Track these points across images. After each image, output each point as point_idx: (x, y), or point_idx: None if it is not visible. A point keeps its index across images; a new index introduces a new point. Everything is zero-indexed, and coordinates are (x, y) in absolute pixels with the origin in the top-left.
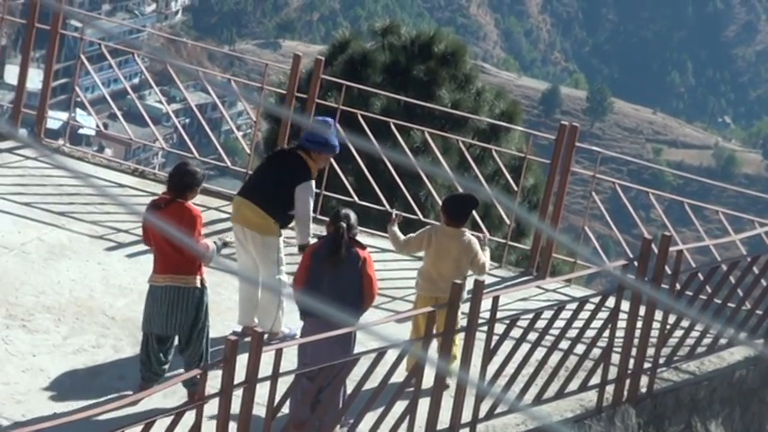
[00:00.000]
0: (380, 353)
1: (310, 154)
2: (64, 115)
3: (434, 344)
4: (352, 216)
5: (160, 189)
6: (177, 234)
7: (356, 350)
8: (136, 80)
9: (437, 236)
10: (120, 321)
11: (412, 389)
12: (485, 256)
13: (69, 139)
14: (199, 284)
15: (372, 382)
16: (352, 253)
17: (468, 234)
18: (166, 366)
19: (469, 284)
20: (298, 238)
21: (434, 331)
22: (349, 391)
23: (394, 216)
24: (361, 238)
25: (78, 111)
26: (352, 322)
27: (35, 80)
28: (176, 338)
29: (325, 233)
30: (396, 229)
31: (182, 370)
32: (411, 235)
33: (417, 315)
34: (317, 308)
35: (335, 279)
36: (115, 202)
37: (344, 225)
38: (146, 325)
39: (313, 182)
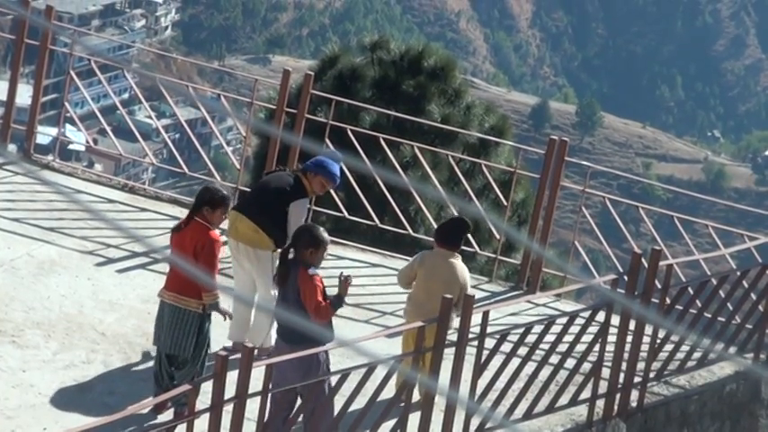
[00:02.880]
0: (368, 370)
1: (306, 175)
2: (53, 131)
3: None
4: (305, 232)
5: (149, 204)
6: (187, 267)
7: (344, 365)
8: (125, 95)
9: (428, 258)
10: (110, 337)
11: (402, 404)
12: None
13: (59, 154)
14: (200, 309)
15: (362, 398)
16: (294, 277)
17: (461, 261)
18: (176, 382)
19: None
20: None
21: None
22: (338, 407)
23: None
24: (350, 252)
25: (68, 126)
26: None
27: (24, 95)
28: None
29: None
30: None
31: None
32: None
33: (407, 336)
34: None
35: (284, 300)
36: (98, 218)
37: (287, 250)
38: (154, 340)
39: (307, 200)
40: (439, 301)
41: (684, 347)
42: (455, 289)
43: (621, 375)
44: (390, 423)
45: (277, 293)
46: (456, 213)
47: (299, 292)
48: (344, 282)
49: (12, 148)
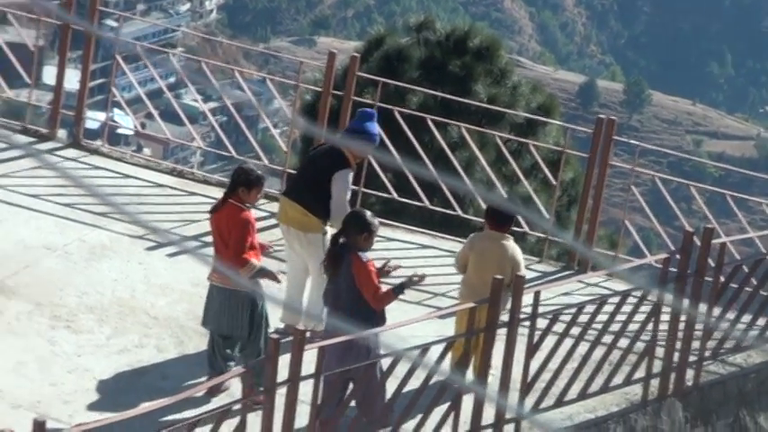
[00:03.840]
0: (421, 351)
1: (349, 144)
2: (102, 116)
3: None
4: (352, 217)
5: (198, 188)
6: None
7: (396, 347)
8: (172, 79)
9: (479, 241)
10: (163, 320)
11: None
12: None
13: (108, 139)
14: (249, 286)
15: (416, 381)
16: (347, 264)
17: (512, 241)
18: (232, 362)
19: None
20: (334, 225)
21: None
22: (391, 390)
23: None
24: (400, 234)
25: (116, 110)
26: (353, 331)
27: (72, 80)
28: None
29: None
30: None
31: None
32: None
33: (460, 318)
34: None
35: (336, 288)
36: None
37: (337, 237)
38: (204, 322)
39: (350, 171)
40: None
41: (740, 326)
42: (507, 270)
43: (676, 354)
44: (444, 406)
45: (326, 278)
46: (504, 194)
47: (354, 278)
48: (392, 270)
49: (61, 133)
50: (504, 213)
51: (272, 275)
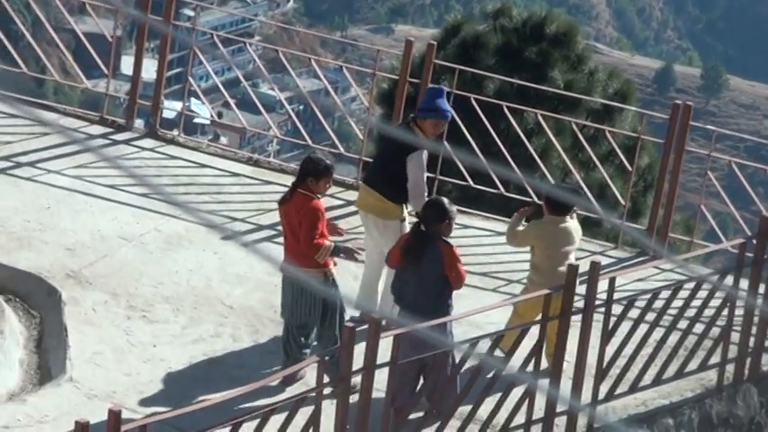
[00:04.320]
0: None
1: (417, 123)
2: (179, 105)
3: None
4: (435, 205)
5: (274, 177)
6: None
7: (471, 335)
8: (249, 68)
9: (544, 229)
10: (238, 310)
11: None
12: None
13: (184, 128)
14: (321, 276)
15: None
16: (432, 251)
17: (574, 221)
18: (307, 351)
19: (583, 267)
20: (413, 206)
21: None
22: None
23: (526, 208)
24: (476, 221)
25: (193, 100)
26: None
27: (150, 70)
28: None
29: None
30: (519, 218)
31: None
32: (520, 229)
33: (522, 304)
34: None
35: (415, 275)
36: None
37: (421, 227)
38: (281, 311)
39: (424, 151)
40: (563, 269)
41: None
42: (573, 253)
43: (752, 339)
44: (520, 391)
45: (404, 267)
46: (580, 179)
47: (442, 265)
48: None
49: (139, 123)
50: (561, 201)
51: (350, 252)
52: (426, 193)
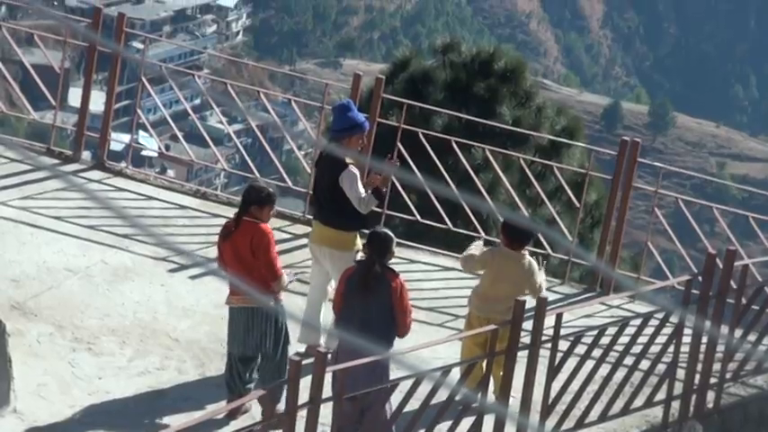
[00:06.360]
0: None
1: (342, 142)
2: (126, 137)
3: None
4: (388, 238)
5: (222, 210)
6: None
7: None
8: (197, 101)
9: (497, 257)
10: (184, 343)
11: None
12: (542, 277)
13: (132, 160)
14: (273, 301)
15: (435, 400)
16: (383, 283)
17: (528, 257)
18: (251, 386)
19: (530, 303)
20: (366, 210)
21: (488, 351)
22: (394, 408)
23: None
24: (424, 256)
25: (141, 132)
26: (378, 352)
27: (98, 102)
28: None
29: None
30: (478, 244)
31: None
32: (474, 253)
33: (467, 336)
34: (347, 338)
35: (365, 309)
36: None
37: (373, 258)
38: (228, 345)
39: (352, 167)
40: (505, 300)
41: (761, 348)
42: (523, 287)
43: (697, 376)
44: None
45: (350, 303)
46: (528, 216)
47: (390, 298)
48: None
49: (86, 154)
50: (520, 231)
51: (289, 283)
52: (367, 201)
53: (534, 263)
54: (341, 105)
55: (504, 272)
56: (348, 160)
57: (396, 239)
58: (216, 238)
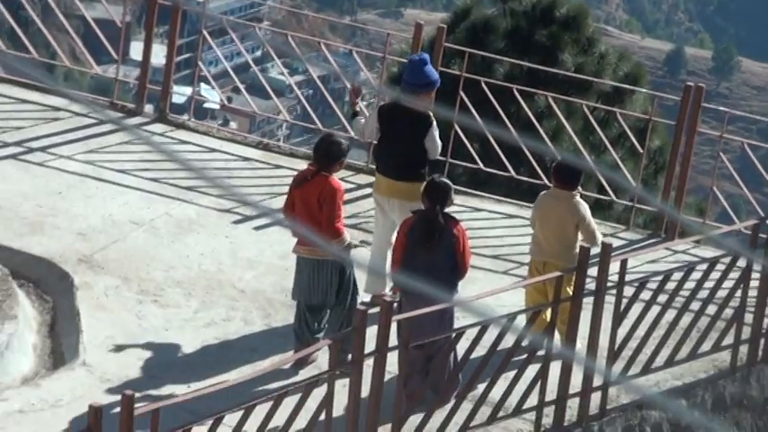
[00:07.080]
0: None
1: (420, 96)
2: (188, 90)
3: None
4: (447, 187)
5: (285, 161)
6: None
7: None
8: (258, 53)
9: (543, 199)
10: (249, 294)
11: (543, 353)
12: (593, 223)
13: (194, 113)
14: (341, 244)
15: (502, 347)
16: (445, 234)
17: (578, 198)
18: (319, 335)
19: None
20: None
21: (548, 298)
22: (459, 356)
23: None
24: (487, 204)
25: (202, 85)
26: (444, 300)
27: (159, 56)
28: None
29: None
30: None
31: None
32: None
33: (530, 283)
34: (412, 287)
35: (429, 259)
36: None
37: (438, 208)
38: (294, 293)
39: (433, 124)
40: (554, 242)
41: None
42: (570, 228)
43: (765, 320)
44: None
45: (414, 252)
46: (591, 162)
47: (454, 245)
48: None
49: (148, 108)
50: (569, 171)
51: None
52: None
53: (583, 205)
54: (420, 59)
55: (550, 212)
56: (430, 114)
57: (454, 187)
58: (279, 189)
